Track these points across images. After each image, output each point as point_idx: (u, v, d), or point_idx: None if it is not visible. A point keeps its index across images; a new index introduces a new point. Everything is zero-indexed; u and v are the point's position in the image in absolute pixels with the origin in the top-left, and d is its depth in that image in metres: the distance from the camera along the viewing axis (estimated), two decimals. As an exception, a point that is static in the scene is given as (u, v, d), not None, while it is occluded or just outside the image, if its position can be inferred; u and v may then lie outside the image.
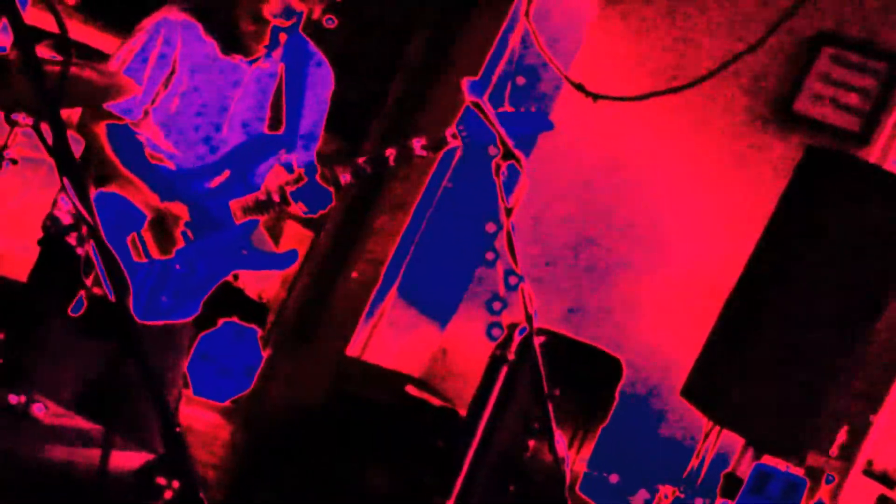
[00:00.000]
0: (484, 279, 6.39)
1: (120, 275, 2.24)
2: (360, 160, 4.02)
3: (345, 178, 4.02)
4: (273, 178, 4.18)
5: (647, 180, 6.18)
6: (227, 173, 4.08)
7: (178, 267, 4.04)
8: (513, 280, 6.11)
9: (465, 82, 3.49)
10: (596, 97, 6.01)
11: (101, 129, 3.99)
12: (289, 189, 4.02)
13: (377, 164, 4.02)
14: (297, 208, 4.08)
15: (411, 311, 6.43)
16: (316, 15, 4.03)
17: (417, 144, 4.03)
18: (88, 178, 4.01)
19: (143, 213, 4.01)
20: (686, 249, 5.98)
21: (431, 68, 6.47)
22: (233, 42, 4.05)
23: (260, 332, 6.85)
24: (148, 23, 4.01)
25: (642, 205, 6.17)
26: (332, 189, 4.04)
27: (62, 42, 2.52)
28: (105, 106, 3.92)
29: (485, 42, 6.23)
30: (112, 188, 4.01)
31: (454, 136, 4.02)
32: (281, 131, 4.17)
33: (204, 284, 4.13)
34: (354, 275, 6.44)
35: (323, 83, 4.29)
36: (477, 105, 3.49)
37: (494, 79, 6.17)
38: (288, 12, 3.93)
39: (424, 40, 6.56)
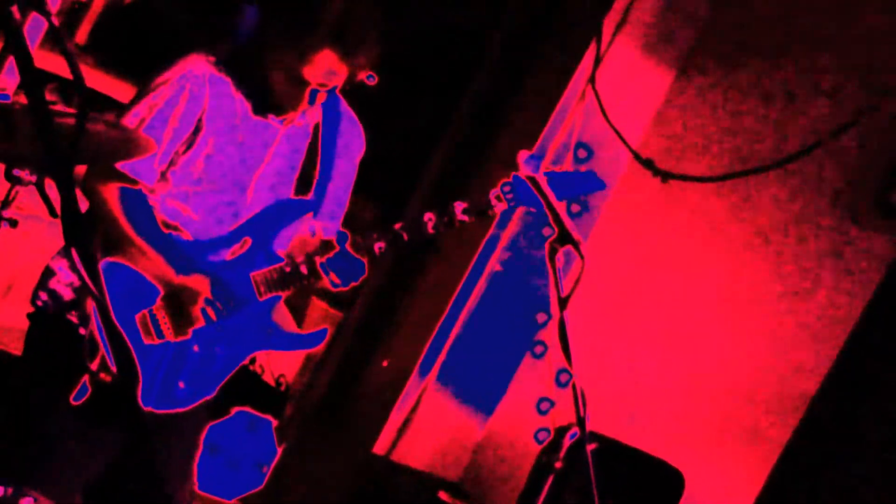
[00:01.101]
0: (531, 373, 6.36)
1: (128, 360, 2.23)
2: (396, 226, 4.02)
3: (379, 246, 4.02)
4: (299, 246, 4.17)
5: (715, 275, 6.14)
6: (247, 242, 4.07)
7: (195, 349, 4.01)
8: (563, 378, 6.09)
9: (521, 156, 3.56)
10: (666, 176, 6.01)
11: (110, 191, 3.95)
12: (318, 259, 4.01)
13: (414, 231, 4.02)
14: (327, 281, 4.05)
15: (448, 406, 6.39)
16: (359, 77, 4.02)
17: (458, 209, 4.02)
18: (93, 245, 3.96)
19: (154, 287, 3.98)
20: (757, 358, 5.91)
21: (483, 132, 6.46)
22: (266, 100, 4.04)
23: (276, 423, 6.81)
24: (171, 75, 3.98)
25: (709, 302, 6.12)
26: (364, 259, 4.03)
27: (76, 90, 2.48)
28: (118, 166, 3.90)
29: (544, 108, 6.24)
30: (119, 258, 3.97)
31: (499, 199, 4.02)
32: (309, 195, 4.17)
33: (225, 368, 4.10)
34: (385, 363, 6.43)
35: (355, 145, 4.31)
36: (533, 181, 3.56)
37: (552, 150, 6.16)
38: (330, 75, 3.93)
39: (476, 101, 6.55)
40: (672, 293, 6.21)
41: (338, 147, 4.22)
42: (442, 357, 6.34)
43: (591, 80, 6.11)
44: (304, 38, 3.85)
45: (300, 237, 4.20)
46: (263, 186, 4.10)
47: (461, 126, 6.56)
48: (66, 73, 2.42)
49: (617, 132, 6.10)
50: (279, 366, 7.25)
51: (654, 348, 6.17)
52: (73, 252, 2.18)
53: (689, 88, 6.35)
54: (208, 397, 4.13)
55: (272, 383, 7.24)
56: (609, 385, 6.08)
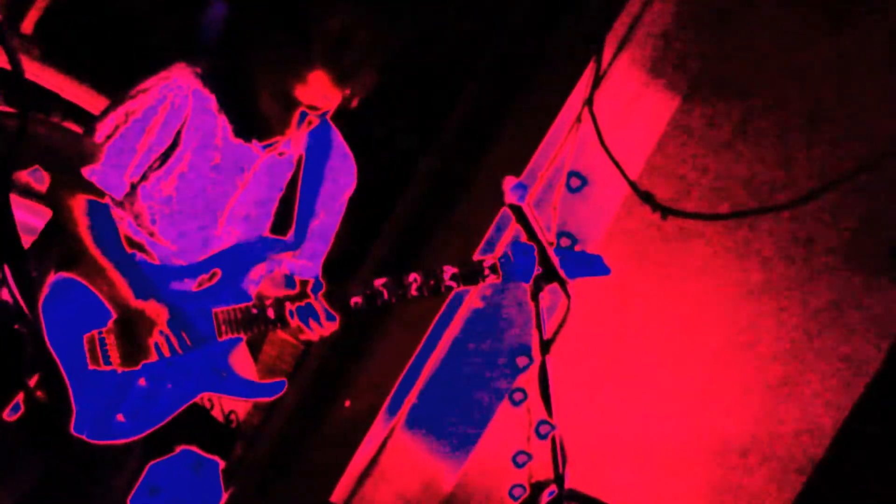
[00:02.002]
0: (509, 422, 6.34)
1: (59, 386, 2.22)
2: (377, 283, 4.05)
3: (356, 301, 4.05)
4: (269, 288, 4.20)
5: (713, 324, 6.16)
6: (216, 274, 4.09)
7: (142, 383, 4.02)
8: (543, 429, 6.07)
9: (507, 182, 3.57)
10: (665, 212, 6.00)
11: (77, 202, 3.99)
12: (288, 306, 4.03)
13: (396, 292, 4.05)
14: (294, 330, 4.08)
15: (416, 453, 6.37)
16: (355, 103, 4.03)
17: (447, 274, 4.07)
18: (49, 257, 3.99)
19: (107, 309, 3.99)
20: (757, 416, 5.89)
21: (466, 156, 6.43)
22: (249, 121, 4.05)
23: (223, 464, 6.76)
24: (154, 83, 4.01)
25: (705, 354, 6.11)
26: (337, 313, 4.06)
27: (16, 87, 2.47)
28: (86, 174, 3.91)
29: (535, 130, 6.22)
30: (75, 274, 3.98)
31: (493, 271, 4.06)
32: (289, 234, 4.17)
33: (169, 407, 4.11)
34: (348, 403, 6.40)
35: (344, 181, 4.34)
36: (518, 210, 3.57)
37: (543, 177, 6.13)
38: (323, 98, 3.93)
39: (460, 121, 6.51)
40: (665, 341, 6.23)
41: (325, 182, 4.27)
42: (411, 398, 6.31)
43: (589, 101, 6.09)
44: (297, 56, 3.86)
45: (273, 278, 4.24)
46: (237, 216, 4.14)
47: (443, 149, 6.52)
48: (7, 66, 2.38)
49: (615, 161, 6.09)
50: (230, 401, 7.22)
51: (643, 400, 6.18)
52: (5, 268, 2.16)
53: (695, 119, 6.32)
54: (145, 434, 4.13)
55: (221, 419, 7.20)
56: (592, 439, 6.06)
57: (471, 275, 4.08)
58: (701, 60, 6.26)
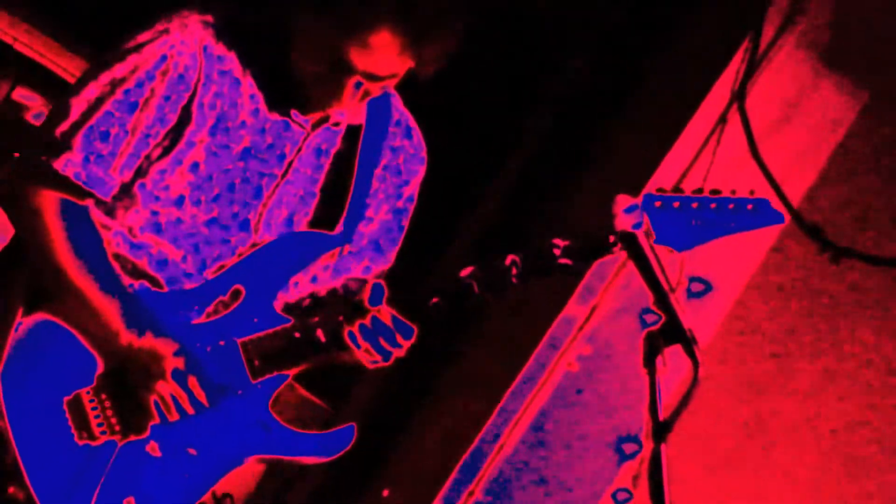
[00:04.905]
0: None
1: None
2: (463, 273, 3.98)
3: (435, 303, 3.98)
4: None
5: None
6: (240, 293, 4.07)
7: (153, 451, 3.96)
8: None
9: (620, 202, 3.50)
10: (837, 253, 5.88)
11: (47, 200, 3.94)
12: (345, 326, 3.98)
13: (490, 280, 3.98)
14: (359, 354, 4.02)
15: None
16: (429, 72, 4.00)
17: (558, 247, 3.94)
18: (15, 293, 3.95)
19: (93, 357, 3.93)
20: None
21: (561, 165, 6.45)
22: (284, 88, 4.02)
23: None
24: (148, 38, 3.95)
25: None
26: (414, 324, 4.00)
27: None
28: (58, 166, 3.86)
29: (660, 135, 6.18)
30: (50, 312, 3.93)
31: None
32: (337, 229, 4.17)
33: (197, 485, 4.06)
34: (386, 492, 6.36)
35: (410, 165, 4.34)
36: (631, 240, 3.49)
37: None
38: (385, 64, 3.91)
39: (557, 116, 6.53)
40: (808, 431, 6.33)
41: (380, 162, 4.27)
42: (474, 491, 6.29)
43: (740, 95, 6.01)
44: (358, 9, 3.83)
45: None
46: (278, 219, 4.15)
47: (530, 153, 6.51)
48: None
49: (771, 179, 6.03)
50: (233, 478, 7.19)
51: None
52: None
53: (881, 135, 6.30)
54: None
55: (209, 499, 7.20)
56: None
57: (594, 246, 3.94)
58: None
